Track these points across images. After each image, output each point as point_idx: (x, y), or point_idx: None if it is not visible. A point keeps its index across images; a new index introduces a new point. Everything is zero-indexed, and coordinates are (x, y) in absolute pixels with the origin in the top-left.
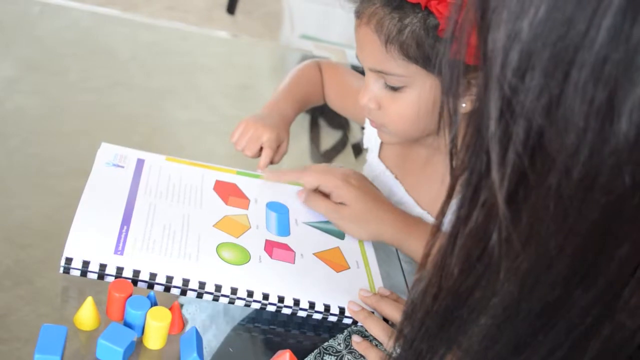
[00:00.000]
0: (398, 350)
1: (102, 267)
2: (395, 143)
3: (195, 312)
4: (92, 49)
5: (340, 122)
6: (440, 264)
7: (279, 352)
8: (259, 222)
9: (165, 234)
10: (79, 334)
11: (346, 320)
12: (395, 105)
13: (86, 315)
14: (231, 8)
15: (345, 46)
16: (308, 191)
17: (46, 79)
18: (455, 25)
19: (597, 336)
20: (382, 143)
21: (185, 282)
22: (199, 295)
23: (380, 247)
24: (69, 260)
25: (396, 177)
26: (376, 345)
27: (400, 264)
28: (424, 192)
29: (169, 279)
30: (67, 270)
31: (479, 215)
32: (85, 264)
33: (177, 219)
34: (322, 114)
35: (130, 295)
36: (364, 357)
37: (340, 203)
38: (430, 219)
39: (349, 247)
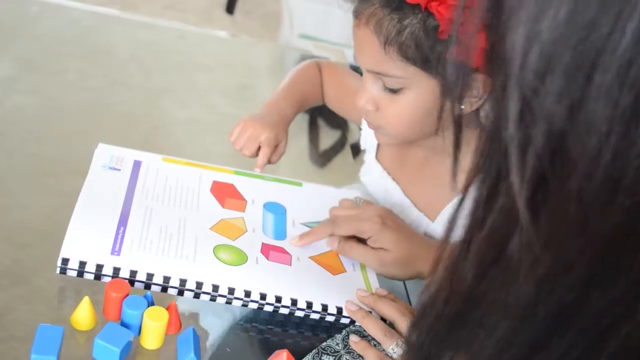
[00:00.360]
0: (406, 353)
1: (99, 267)
2: (392, 144)
3: (193, 312)
4: (91, 49)
5: (338, 123)
6: (453, 268)
7: (276, 352)
8: (256, 225)
9: (162, 236)
10: (75, 334)
11: (344, 320)
12: (393, 107)
13: (83, 315)
14: (230, 8)
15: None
16: (340, 239)
17: (45, 78)
18: (459, 28)
19: (615, 336)
20: (379, 144)
21: (183, 282)
22: (196, 296)
23: None
24: (65, 261)
25: (394, 179)
26: (374, 345)
27: None
28: (421, 193)
29: (166, 279)
30: (63, 271)
31: (495, 219)
32: (82, 264)
33: (173, 222)
34: (321, 114)
35: (127, 295)
36: (362, 357)
37: (380, 248)
38: (426, 220)
39: None
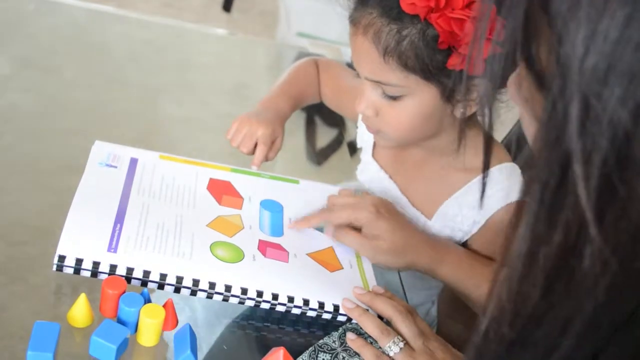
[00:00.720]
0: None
1: (96, 264)
2: (391, 147)
3: (189, 309)
4: (88, 46)
5: (335, 120)
6: (517, 287)
7: (273, 349)
8: (252, 222)
9: (159, 233)
10: (72, 331)
11: (340, 318)
12: (393, 113)
13: (79, 312)
14: (227, 6)
15: (341, 44)
16: (336, 227)
17: (40, 76)
18: (469, 41)
19: None
20: (375, 142)
21: (179, 279)
22: (193, 293)
23: None
24: (62, 258)
25: (390, 177)
26: (371, 342)
27: None
28: (418, 191)
29: (163, 276)
30: (60, 268)
31: (562, 233)
32: (79, 261)
33: (170, 219)
34: (318, 112)
35: (124, 292)
36: (358, 355)
37: (374, 236)
38: (423, 218)
39: (343, 247)
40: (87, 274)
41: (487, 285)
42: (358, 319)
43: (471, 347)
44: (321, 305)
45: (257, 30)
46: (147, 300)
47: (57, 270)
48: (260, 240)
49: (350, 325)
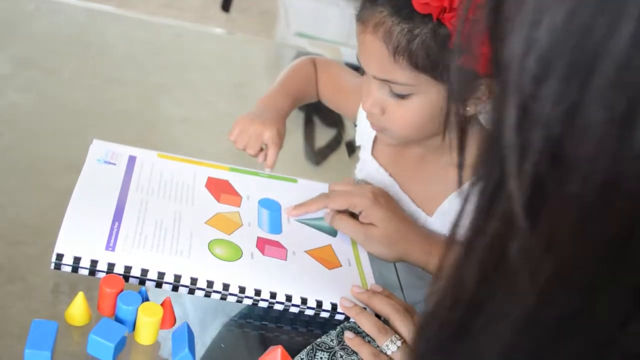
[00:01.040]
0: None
1: (94, 263)
2: (393, 145)
3: (187, 308)
4: (87, 46)
5: (334, 120)
6: (456, 275)
7: (271, 347)
8: (251, 220)
9: (157, 231)
10: (70, 329)
11: (338, 317)
12: (400, 112)
13: (77, 310)
14: (226, 5)
15: (340, 44)
16: (333, 212)
17: (40, 75)
18: (462, 34)
19: (621, 343)
20: (375, 140)
21: (177, 278)
22: (191, 291)
23: None
24: (60, 256)
25: (390, 175)
26: (369, 341)
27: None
28: (418, 188)
29: (161, 274)
30: (58, 266)
31: (495, 225)
32: (77, 259)
33: (168, 216)
34: (316, 112)
35: (122, 290)
36: (356, 353)
37: (369, 223)
38: (424, 215)
39: (341, 244)
40: (85, 272)
41: None
42: (356, 317)
43: (415, 332)
44: (319, 304)
45: (256, 30)
46: (145, 299)
47: (55, 268)
48: (258, 238)
49: (348, 324)
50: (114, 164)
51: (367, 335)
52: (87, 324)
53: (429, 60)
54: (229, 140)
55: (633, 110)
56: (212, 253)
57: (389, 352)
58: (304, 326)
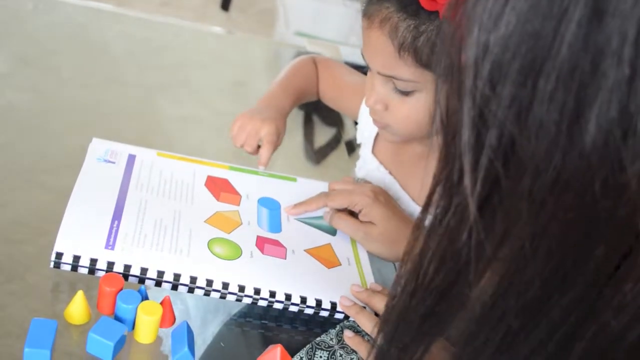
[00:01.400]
0: (378, 343)
1: (93, 261)
2: (395, 142)
3: (187, 306)
4: (86, 45)
5: (334, 119)
6: (418, 262)
7: (270, 346)
8: (251, 218)
9: (157, 229)
10: (69, 328)
11: (338, 316)
12: (403, 108)
13: (77, 309)
14: (225, 4)
15: (339, 43)
16: (333, 211)
17: (39, 74)
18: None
19: (582, 337)
20: (376, 138)
21: (177, 276)
22: (190, 290)
23: None
24: (59, 255)
25: (390, 173)
26: (368, 340)
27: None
28: (418, 187)
29: (160, 273)
30: (57, 265)
31: (452, 218)
32: (76, 258)
33: (168, 215)
34: (316, 111)
35: (121, 289)
36: (355, 352)
37: (368, 222)
38: None
39: (341, 243)
40: (85, 271)
41: None
42: (355, 316)
43: (382, 314)
44: (318, 302)
45: (255, 29)
46: (145, 298)
47: (54, 267)
48: (258, 237)
49: (347, 323)
50: (114, 163)
51: (367, 334)
52: (87, 323)
53: (434, 57)
54: (230, 137)
55: (581, 109)
56: (211, 252)
57: None
58: (304, 325)
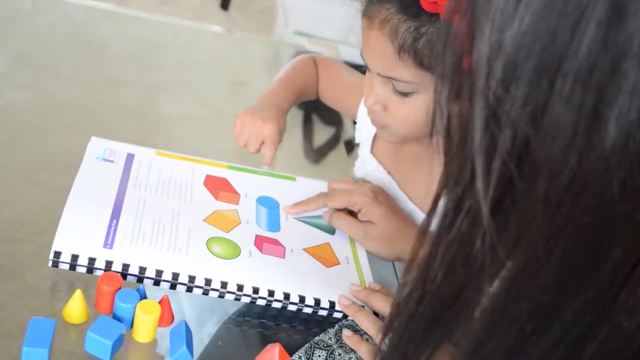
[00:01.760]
0: (385, 349)
1: (91, 260)
2: (393, 142)
3: (185, 305)
4: (85, 44)
5: (333, 119)
6: (425, 268)
7: (269, 345)
8: (249, 217)
9: (155, 228)
10: (67, 327)
11: (336, 315)
12: (402, 109)
13: (75, 308)
14: (225, 4)
15: (338, 42)
16: (332, 211)
17: (38, 73)
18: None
19: (594, 338)
20: (374, 138)
21: (175, 275)
22: (189, 289)
23: None
24: (57, 254)
25: (389, 172)
26: (367, 339)
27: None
28: (416, 187)
29: (159, 272)
30: (55, 264)
31: (463, 222)
32: (74, 257)
33: (166, 214)
34: (315, 110)
35: (120, 288)
36: (354, 351)
37: (368, 221)
38: (422, 214)
39: (340, 242)
40: (83, 270)
41: None
42: (354, 315)
43: (385, 322)
44: (317, 302)
45: (254, 28)
46: (143, 297)
47: (52, 266)
48: (257, 236)
49: (346, 322)
50: (112, 162)
51: (366, 333)
52: (85, 322)
53: (434, 59)
54: (230, 136)
55: (599, 110)
56: (210, 251)
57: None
58: (302, 324)
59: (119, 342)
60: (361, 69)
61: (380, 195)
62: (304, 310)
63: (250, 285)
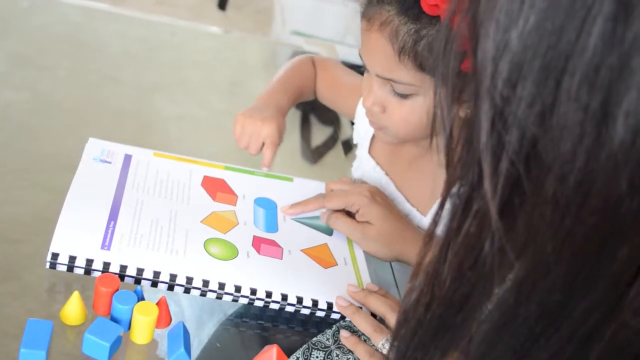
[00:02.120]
0: (391, 358)
1: (89, 262)
2: (391, 143)
3: (183, 307)
4: (82, 44)
5: (330, 119)
6: (433, 273)
7: (267, 347)
8: (247, 218)
9: (153, 230)
10: (65, 329)
11: (334, 316)
12: (401, 111)
13: (72, 309)
14: (222, 3)
15: (335, 42)
16: (330, 212)
17: (35, 74)
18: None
19: (601, 337)
20: (372, 139)
21: (173, 277)
22: (187, 291)
23: None
24: (55, 256)
25: (386, 173)
26: (364, 340)
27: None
28: (413, 188)
29: (156, 274)
30: (53, 266)
31: (471, 225)
32: (72, 259)
33: (164, 215)
34: (313, 110)
35: (117, 289)
36: (352, 352)
37: (365, 222)
38: (419, 215)
39: (337, 243)
40: (81, 271)
41: None
42: (351, 317)
43: (393, 329)
44: (315, 303)
45: (251, 28)
46: (141, 298)
47: (50, 267)
48: (254, 237)
49: (344, 323)
50: (110, 163)
51: (363, 334)
52: (83, 324)
53: (433, 61)
54: (228, 137)
55: (607, 108)
56: (207, 252)
57: (384, 351)
58: (300, 325)
59: (116, 344)
60: (359, 69)
61: (378, 196)
62: (301, 312)
63: (248, 287)
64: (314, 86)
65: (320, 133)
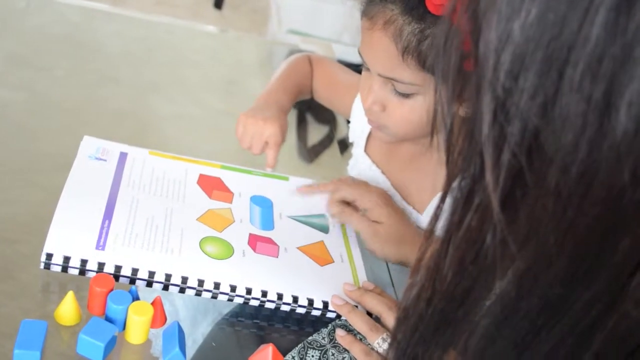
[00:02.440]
0: (392, 355)
1: (83, 262)
2: (389, 142)
3: (178, 306)
4: (79, 44)
5: (327, 118)
6: (434, 268)
7: (262, 346)
8: (243, 216)
9: (148, 228)
10: (59, 329)
11: (330, 315)
12: (401, 110)
13: (67, 310)
14: (218, 3)
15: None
16: (342, 205)
17: (33, 73)
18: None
19: (602, 328)
20: (368, 137)
21: (168, 277)
22: (182, 290)
23: None
24: (49, 256)
25: (382, 172)
26: (360, 339)
27: None
28: (409, 186)
29: (151, 274)
30: (47, 266)
31: (473, 218)
32: (66, 259)
33: (159, 213)
34: (309, 109)
35: (112, 289)
36: (348, 351)
37: (375, 221)
38: (415, 212)
39: (334, 241)
40: (75, 271)
41: None
42: (347, 315)
43: (395, 325)
44: (310, 302)
45: (248, 27)
46: (136, 298)
47: (44, 268)
48: (250, 234)
49: (339, 322)
50: (105, 160)
51: (359, 333)
52: (77, 324)
53: (435, 58)
54: (227, 136)
55: (610, 98)
56: (203, 251)
57: (380, 350)
58: (296, 324)
59: (111, 344)
60: (355, 67)
61: (386, 198)
62: (297, 311)
63: (243, 286)
64: (310, 85)
65: (316, 132)
